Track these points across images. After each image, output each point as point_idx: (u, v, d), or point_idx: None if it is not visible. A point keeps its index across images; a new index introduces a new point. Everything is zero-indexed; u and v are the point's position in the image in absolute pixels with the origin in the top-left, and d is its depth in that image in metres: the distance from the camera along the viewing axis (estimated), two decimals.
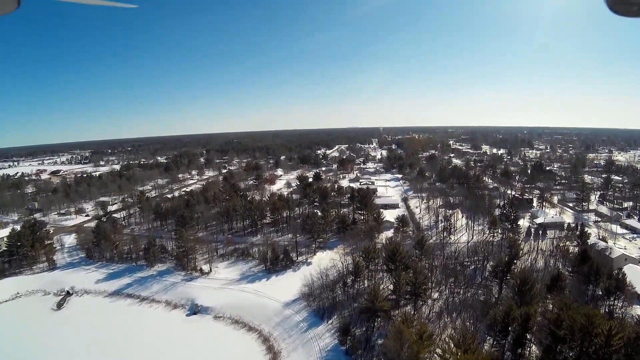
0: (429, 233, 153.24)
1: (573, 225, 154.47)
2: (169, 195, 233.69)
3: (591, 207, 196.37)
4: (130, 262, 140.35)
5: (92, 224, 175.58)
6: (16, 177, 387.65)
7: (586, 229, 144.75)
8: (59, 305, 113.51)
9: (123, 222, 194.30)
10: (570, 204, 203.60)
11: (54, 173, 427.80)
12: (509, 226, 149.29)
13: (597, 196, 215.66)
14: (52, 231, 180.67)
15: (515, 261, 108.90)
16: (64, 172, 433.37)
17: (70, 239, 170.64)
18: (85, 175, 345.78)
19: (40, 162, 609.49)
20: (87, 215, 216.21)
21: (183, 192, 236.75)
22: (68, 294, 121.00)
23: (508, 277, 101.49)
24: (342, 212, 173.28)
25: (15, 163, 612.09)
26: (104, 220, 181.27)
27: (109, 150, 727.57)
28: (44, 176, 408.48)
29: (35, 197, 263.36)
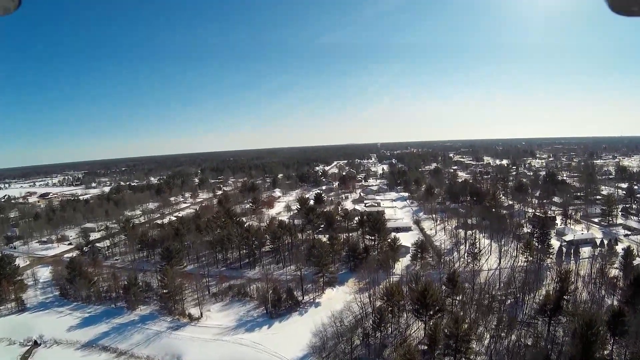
0: (451, 259, 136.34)
1: (606, 241, 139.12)
2: (159, 221, 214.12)
3: (615, 220, 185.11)
4: (108, 304, 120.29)
5: (74, 254, 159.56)
6: (2, 200, 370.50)
7: (619, 244, 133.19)
8: None
9: (107, 252, 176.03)
10: (596, 219, 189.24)
11: (42, 196, 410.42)
12: (539, 246, 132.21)
13: (620, 208, 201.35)
14: (28, 262, 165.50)
15: (565, 296, 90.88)
16: (53, 195, 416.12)
17: (46, 273, 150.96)
18: (72, 199, 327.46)
19: (32, 184, 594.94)
20: (69, 244, 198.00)
21: (174, 218, 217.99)
22: (36, 344, 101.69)
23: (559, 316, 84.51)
24: (351, 237, 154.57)
25: (7, 185, 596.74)
26: (86, 250, 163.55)
27: (102, 171, 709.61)
28: (32, 199, 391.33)
29: (17, 223, 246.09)
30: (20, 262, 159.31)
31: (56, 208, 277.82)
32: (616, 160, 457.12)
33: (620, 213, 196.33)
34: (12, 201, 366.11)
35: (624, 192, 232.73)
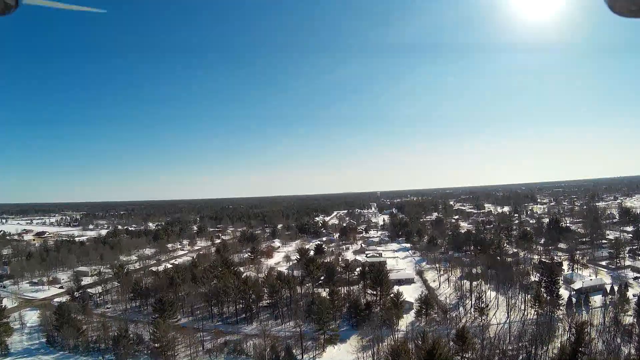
0: (457, 314, 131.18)
1: (617, 287, 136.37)
2: (155, 268, 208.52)
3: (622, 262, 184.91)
4: (96, 355, 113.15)
5: (64, 299, 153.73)
6: None
7: (630, 289, 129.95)
8: None
9: (98, 299, 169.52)
10: (603, 262, 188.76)
11: (38, 235, 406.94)
12: (548, 298, 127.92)
13: (627, 250, 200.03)
14: (16, 304, 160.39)
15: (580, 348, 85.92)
16: (49, 234, 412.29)
17: (34, 317, 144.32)
18: (67, 240, 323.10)
19: (29, 221, 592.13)
20: (60, 287, 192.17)
21: (170, 265, 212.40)
22: None
23: None
24: (352, 291, 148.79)
25: (3, 220, 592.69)
26: (77, 295, 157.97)
27: (101, 214, 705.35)
28: (28, 237, 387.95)
29: (10, 261, 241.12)
30: (8, 302, 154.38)
31: (50, 248, 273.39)
32: (618, 201, 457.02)
33: (627, 255, 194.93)
34: (7, 237, 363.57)
35: (630, 234, 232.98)
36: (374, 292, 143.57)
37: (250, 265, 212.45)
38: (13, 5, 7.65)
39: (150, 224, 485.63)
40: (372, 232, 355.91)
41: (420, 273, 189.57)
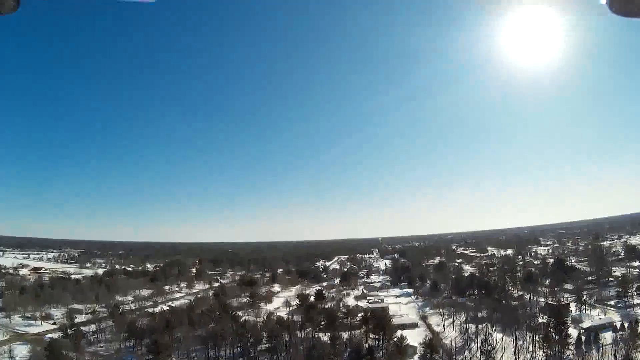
0: (463, 357, 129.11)
1: (626, 324, 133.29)
2: (151, 310, 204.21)
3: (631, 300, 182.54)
4: None
5: (57, 335, 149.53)
6: None
7: None
8: None
9: (92, 337, 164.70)
10: (611, 302, 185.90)
11: (34, 270, 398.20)
12: (557, 337, 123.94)
13: (635, 288, 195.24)
14: (7, 337, 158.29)
15: None
16: (46, 270, 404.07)
17: (24, 351, 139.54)
18: (63, 277, 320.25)
19: (27, 255, 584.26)
20: (54, 323, 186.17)
21: (167, 307, 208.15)
22: None
23: None
24: (354, 335, 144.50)
25: (1, 253, 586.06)
26: (70, 332, 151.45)
27: (99, 252, 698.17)
28: (23, 271, 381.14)
29: (3, 294, 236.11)
30: None
31: (45, 284, 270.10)
32: (623, 239, 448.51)
33: (635, 293, 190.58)
34: (2, 271, 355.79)
35: (637, 269, 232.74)
36: (377, 337, 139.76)
37: (249, 310, 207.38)
38: (13, 5, 7.21)
39: (149, 265, 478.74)
40: (373, 277, 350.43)
41: (423, 318, 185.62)
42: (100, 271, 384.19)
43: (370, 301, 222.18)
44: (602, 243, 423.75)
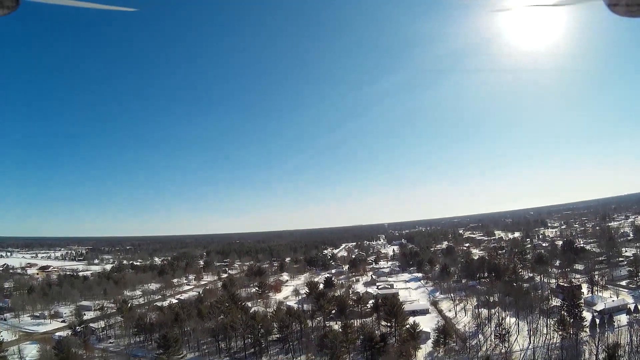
0: (476, 342, 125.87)
1: None
2: (160, 304, 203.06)
3: None
4: None
5: (66, 333, 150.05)
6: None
7: None
8: None
9: (101, 333, 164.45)
10: (623, 282, 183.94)
11: (42, 268, 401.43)
12: (571, 320, 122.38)
13: None
14: (16, 337, 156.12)
15: None
16: (54, 268, 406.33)
17: (33, 351, 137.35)
18: (71, 275, 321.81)
19: (34, 255, 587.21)
20: (63, 321, 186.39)
21: (176, 300, 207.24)
22: None
23: None
24: (365, 323, 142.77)
25: (8, 253, 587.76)
26: (79, 329, 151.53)
27: (106, 248, 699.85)
28: (31, 271, 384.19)
29: (11, 294, 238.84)
30: (8, 335, 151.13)
31: (53, 282, 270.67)
32: (630, 220, 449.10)
33: None
34: (10, 271, 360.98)
35: None
36: (389, 324, 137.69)
37: (258, 300, 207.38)
38: (13, 5, 7.29)
39: (156, 259, 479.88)
40: (382, 263, 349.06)
41: (434, 303, 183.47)
42: (108, 267, 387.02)
43: (379, 287, 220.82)
44: (609, 224, 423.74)
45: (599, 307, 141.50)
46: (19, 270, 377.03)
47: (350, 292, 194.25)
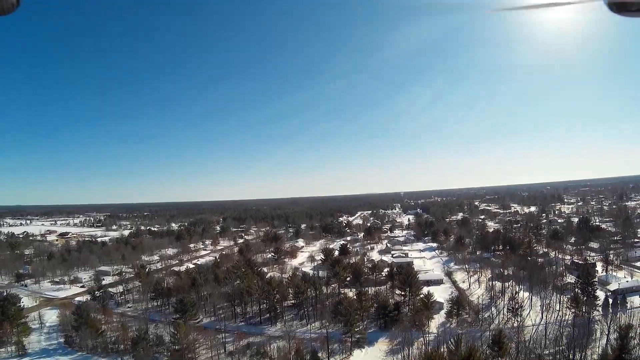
0: (489, 314, 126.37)
1: None
2: (177, 268, 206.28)
3: None
4: (115, 357, 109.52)
5: (85, 298, 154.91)
6: (20, 237, 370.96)
7: None
8: None
9: (119, 298, 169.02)
10: (638, 263, 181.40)
11: (61, 235, 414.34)
12: (585, 298, 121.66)
13: None
14: (37, 303, 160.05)
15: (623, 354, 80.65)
16: (72, 235, 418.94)
17: (53, 317, 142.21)
18: (89, 241, 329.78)
19: (54, 222, 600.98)
20: (82, 287, 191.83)
21: (192, 265, 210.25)
22: None
23: None
24: (380, 291, 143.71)
25: (28, 221, 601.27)
26: (98, 294, 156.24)
27: (125, 215, 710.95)
28: (51, 237, 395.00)
29: (31, 260, 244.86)
30: (28, 301, 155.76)
31: (73, 248, 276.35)
32: None
33: None
34: (30, 238, 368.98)
35: None
36: (403, 293, 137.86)
37: (274, 266, 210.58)
38: (13, 5, 7.23)
39: (173, 225, 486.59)
40: (397, 232, 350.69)
41: (448, 274, 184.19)
42: (126, 233, 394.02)
43: (394, 255, 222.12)
44: (626, 203, 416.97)
45: (613, 287, 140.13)
46: (38, 237, 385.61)
47: (365, 260, 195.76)
